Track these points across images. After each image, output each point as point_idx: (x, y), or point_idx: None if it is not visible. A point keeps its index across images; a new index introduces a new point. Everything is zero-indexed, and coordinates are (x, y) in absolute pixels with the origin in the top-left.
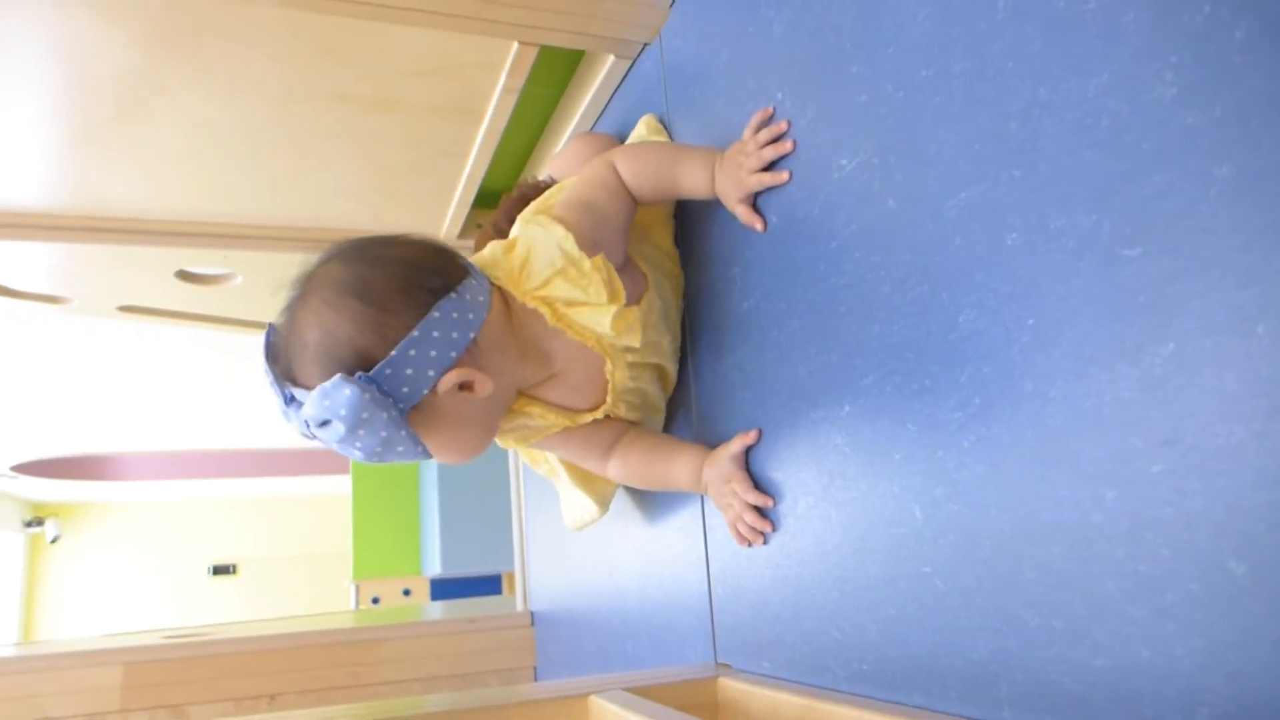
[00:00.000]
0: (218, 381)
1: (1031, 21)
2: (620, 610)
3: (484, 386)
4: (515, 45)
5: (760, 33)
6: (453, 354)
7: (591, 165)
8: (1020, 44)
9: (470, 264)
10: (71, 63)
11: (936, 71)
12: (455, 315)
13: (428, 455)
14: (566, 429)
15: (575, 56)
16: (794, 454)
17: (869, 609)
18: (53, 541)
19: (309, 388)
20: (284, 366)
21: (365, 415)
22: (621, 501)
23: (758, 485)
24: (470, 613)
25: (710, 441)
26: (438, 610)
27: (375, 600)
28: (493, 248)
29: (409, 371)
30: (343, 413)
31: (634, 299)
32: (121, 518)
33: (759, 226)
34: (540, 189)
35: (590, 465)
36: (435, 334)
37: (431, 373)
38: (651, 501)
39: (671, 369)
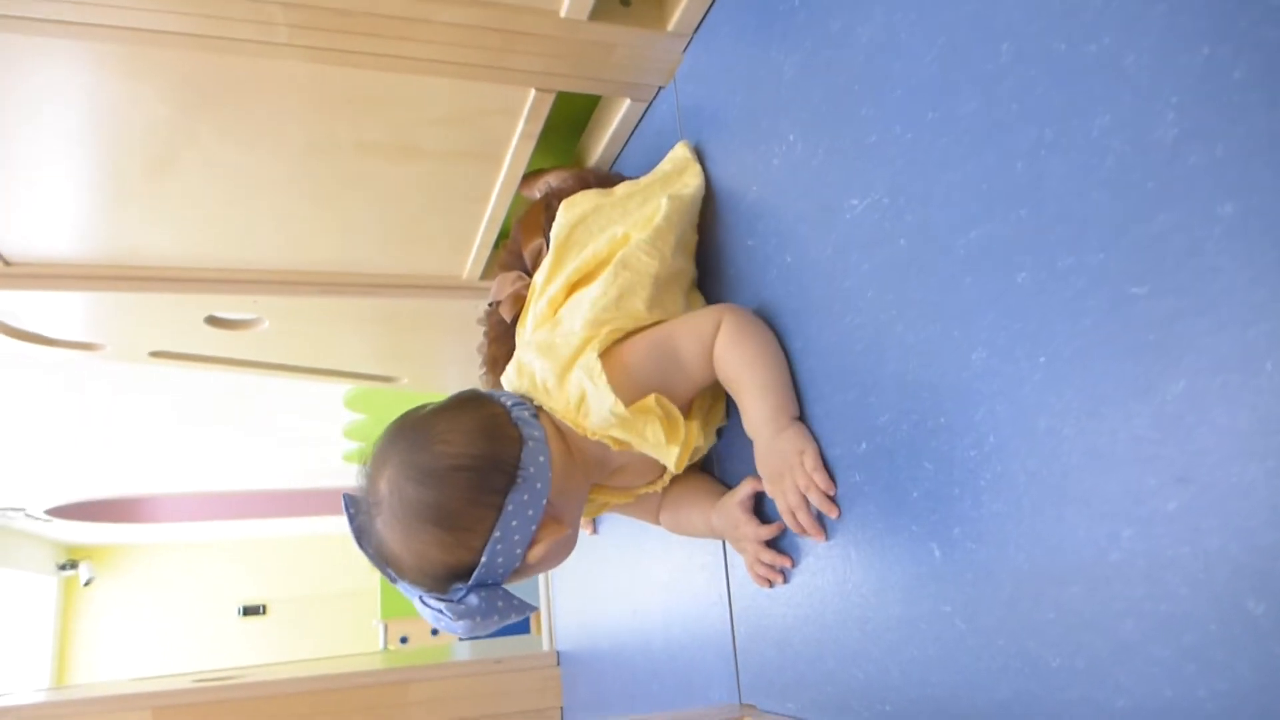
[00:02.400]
0: (246, 424)
1: (1035, 64)
2: (645, 650)
3: (562, 532)
4: (533, 92)
5: (771, 75)
6: (533, 527)
7: (707, 320)
8: (1024, 86)
9: (520, 425)
10: (103, 118)
11: (944, 113)
12: (526, 497)
13: (533, 609)
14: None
15: (593, 99)
16: None
17: (891, 649)
18: (86, 584)
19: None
20: (380, 559)
21: (475, 617)
22: (644, 541)
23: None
24: (497, 652)
25: (730, 480)
26: (465, 650)
27: (404, 640)
28: (535, 375)
29: (500, 560)
30: (457, 622)
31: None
32: (153, 559)
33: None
34: (549, 208)
35: (646, 520)
36: (514, 523)
37: (519, 550)
38: (673, 540)
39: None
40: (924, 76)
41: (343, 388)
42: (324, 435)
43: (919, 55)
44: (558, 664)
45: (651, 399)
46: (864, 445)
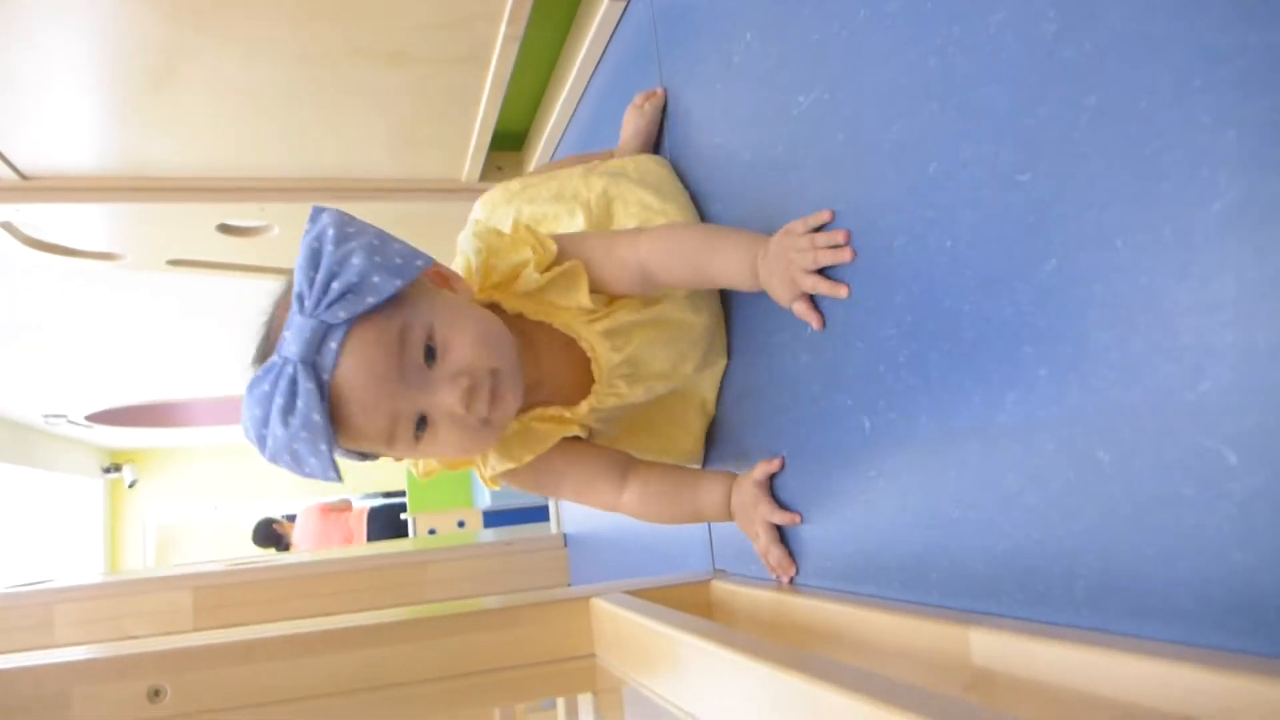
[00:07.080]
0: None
1: None
2: (634, 530)
3: (460, 284)
4: None
5: None
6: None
7: (621, 239)
8: None
9: None
10: (105, 38)
11: (873, 11)
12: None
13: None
14: (569, 446)
15: (573, 1)
16: (770, 372)
17: (832, 514)
18: (130, 486)
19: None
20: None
21: (351, 228)
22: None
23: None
24: (512, 538)
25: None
26: (484, 537)
27: (431, 531)
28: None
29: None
30: (330, 232)
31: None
32: (194, 462)
33: (815, 323)
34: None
35: (600, 498)
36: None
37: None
38: None
39: (700, 334)
40: None
41: None
42: None
43: None
44: (565, 545)
45: (522, 226)
46: (809, 329)
